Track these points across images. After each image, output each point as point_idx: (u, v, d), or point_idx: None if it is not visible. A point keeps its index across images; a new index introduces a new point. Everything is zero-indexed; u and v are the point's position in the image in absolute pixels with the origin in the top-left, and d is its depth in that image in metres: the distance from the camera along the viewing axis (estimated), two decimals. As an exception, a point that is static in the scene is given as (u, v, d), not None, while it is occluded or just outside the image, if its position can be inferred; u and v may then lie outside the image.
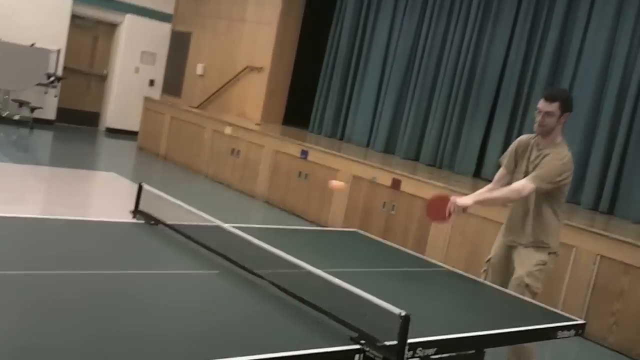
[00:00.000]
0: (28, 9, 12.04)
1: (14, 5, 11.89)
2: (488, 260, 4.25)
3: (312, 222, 8.32)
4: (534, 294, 3.93)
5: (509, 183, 4.10)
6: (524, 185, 3.88)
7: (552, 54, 8.38)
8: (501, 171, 4.22)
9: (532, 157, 4.03)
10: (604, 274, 5.73)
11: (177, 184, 9.62)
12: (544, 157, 3.95)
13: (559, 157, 3.94)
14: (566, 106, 3.96)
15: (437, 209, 3.83)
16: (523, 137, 4.24)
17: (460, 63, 9.34)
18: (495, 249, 4.24)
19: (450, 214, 3.77)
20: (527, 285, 3.93)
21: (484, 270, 4.23)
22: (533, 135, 4.12)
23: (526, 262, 3.98)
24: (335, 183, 6.00)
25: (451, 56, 9.47)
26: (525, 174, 3.99)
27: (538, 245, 4.01)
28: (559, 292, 5.91)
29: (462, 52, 9.36)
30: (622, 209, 7.45)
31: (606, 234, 5.89)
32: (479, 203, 3.98)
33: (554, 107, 3.91)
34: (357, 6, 10.93)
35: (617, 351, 5.55)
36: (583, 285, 5.81)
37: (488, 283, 3.97)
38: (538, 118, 3.95)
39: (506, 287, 3.99)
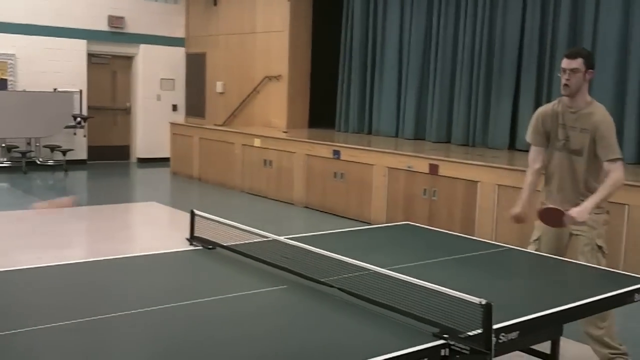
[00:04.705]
0: (46, 56, 12.27)
1: (31, 55, 12.12)
2: (537, 239, 4.04)
3: (355, 220, 8.32)
4: (604, 255, 3.89)
5: (544, 158, 4.02)
6: (618, 169, 3.77)
7: (569, 12, 8.26)
8: (534, 150, 4.10)
9: (569, 122, 3.92)
10: (660, 227, 5.65)
11: (216, 202, 9.68)
12: (592, 122, 3.84)
13: (608, 119, 3.88)
14: (589, 62, 3.90)
15: (552, 216, 3.81)
16: (542, 108, 4.14)
17: (477, 37, 9.26)
18: (542, 229, 4.01)
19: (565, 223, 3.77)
20: (599, 247, 3.88)
21: (536, 250, 4.03)
22: (554, 102, 4.06)
23: (592, 225, 3.86)
24: None
25: (467, 32, 9.40)
26: (566, 141, 3.92)
27: (597, 206, 3.87)
28: (619, 253, 5.83)
29: (477, 25, 9.28)
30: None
31: (657, 186, 5.81)
32: (595, 206, 3.78)
33: (578, 63, 3.84)
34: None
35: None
36: (641, 242, 5.73)
37: (550, 255, 3.90)
38: (564, 78, 3.86)
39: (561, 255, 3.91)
